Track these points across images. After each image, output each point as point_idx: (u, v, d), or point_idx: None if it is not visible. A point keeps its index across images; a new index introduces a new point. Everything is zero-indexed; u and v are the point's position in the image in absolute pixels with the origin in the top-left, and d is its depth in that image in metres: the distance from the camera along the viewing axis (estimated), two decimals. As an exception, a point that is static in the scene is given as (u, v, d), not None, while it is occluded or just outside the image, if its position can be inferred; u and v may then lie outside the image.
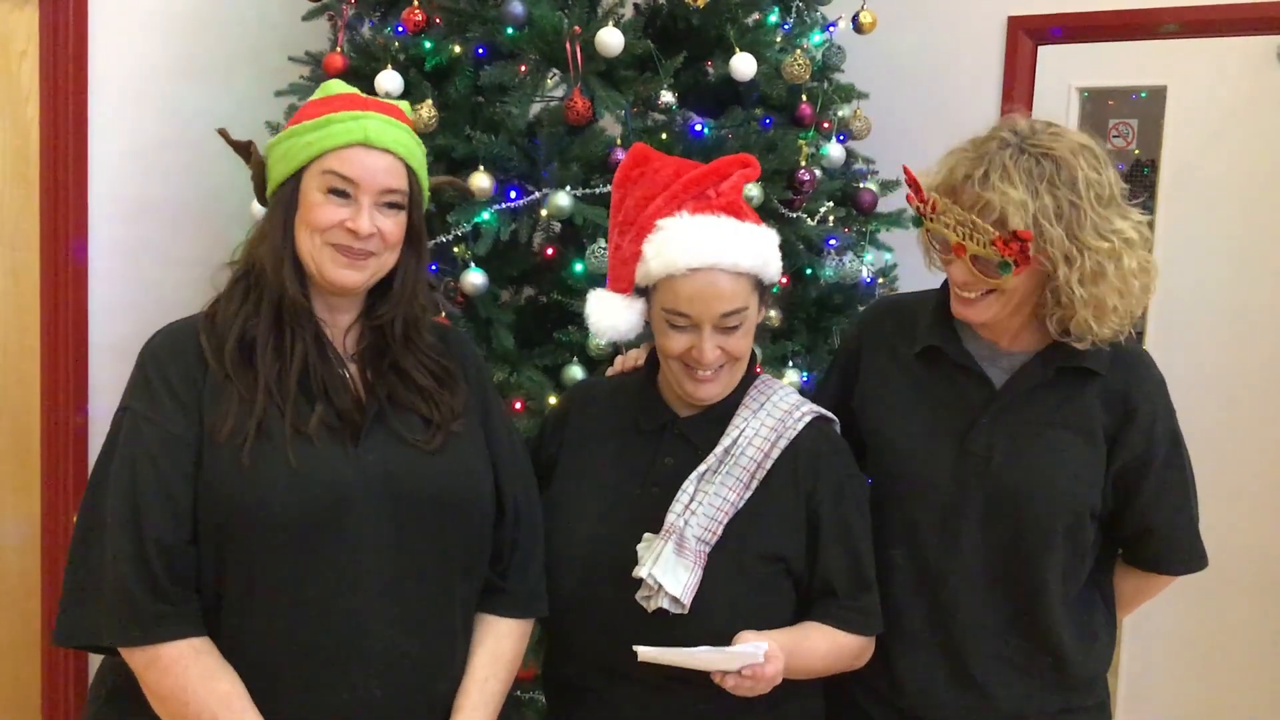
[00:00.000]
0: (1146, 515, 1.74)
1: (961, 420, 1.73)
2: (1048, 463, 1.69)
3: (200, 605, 1.43)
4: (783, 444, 1.66)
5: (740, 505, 1.63)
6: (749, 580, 1.63)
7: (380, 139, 1.50)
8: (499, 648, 1.60)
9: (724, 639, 1.53)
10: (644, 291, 1.66)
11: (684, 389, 1.66)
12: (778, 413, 1.69)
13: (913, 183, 1.69)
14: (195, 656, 1.40)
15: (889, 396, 1.81)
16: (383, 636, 1.46)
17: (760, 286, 1.65)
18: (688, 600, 1.56)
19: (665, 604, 1.56)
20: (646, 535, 1.60)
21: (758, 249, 1.63)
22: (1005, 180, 1.56)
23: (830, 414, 1.76)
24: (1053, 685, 1.74)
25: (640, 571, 1.56)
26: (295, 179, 1.49)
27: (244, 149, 1.57)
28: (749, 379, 1.73)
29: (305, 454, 1.43)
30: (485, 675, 1.57)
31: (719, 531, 1.60)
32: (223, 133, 1.60)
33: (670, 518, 1.60)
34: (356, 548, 1.44)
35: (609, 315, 1.68)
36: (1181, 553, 1.78)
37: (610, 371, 1.89)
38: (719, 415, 1.69)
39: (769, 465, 1.65)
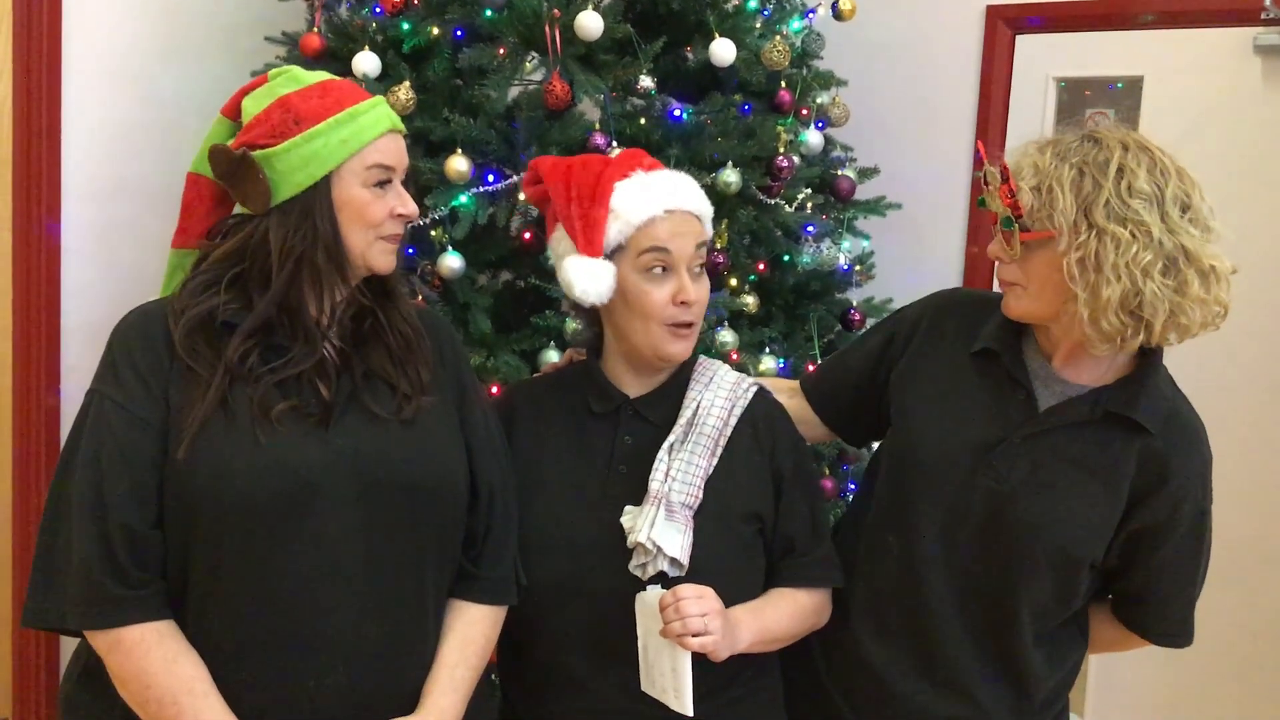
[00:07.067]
0: (1148, 583, 1.70)
1: (993, 434, 1.67)
2: (1059, 502, 1.64)
3: (165, 590, 1.43)
4: (738, 411, 1.73)
5: (711, 470, 1.67)
6: (733, 539, 1.68)
7: (397, 121, 1.52)
8: (469, 634, 1.59)
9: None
10: (612, 256, 1.66)
11: (662, 350, 1.67)
12: (727, 385, 1.75)
13: (980, 157, 1.67)
14: (158, 640, 1.40)
15: (932, 385, 1.76)
16: (349, 622, 1.45)
17: None
18: (686, 560, 1.59)
19: (665, 566, 1.59)
20: (628, 508, 1.63)
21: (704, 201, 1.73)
22: (1042, 152, 1.57)
23: (766, 387, 1.81)
24: (1010, 696, 1.73)
25: (639, 537, 1.58)
26: (326, 179, 1.46)
27: (247, 165, 1.45)
28: (692, 359, 1.77)
29: (272, 439, 1.42)
30: (455, 662, 1.56)
31: (699, 495, 1.64)
32: (219, 150, 1.48)
33: (654, 486, 1.63)
34: (324, 533, 1.43)
35: (592, 279, 1.64)
36: (1170, 625, 1.75)
37: (544, 370, 1.92)
38: (670, 393, 1.74)
39: (729, 432, 1.70)
